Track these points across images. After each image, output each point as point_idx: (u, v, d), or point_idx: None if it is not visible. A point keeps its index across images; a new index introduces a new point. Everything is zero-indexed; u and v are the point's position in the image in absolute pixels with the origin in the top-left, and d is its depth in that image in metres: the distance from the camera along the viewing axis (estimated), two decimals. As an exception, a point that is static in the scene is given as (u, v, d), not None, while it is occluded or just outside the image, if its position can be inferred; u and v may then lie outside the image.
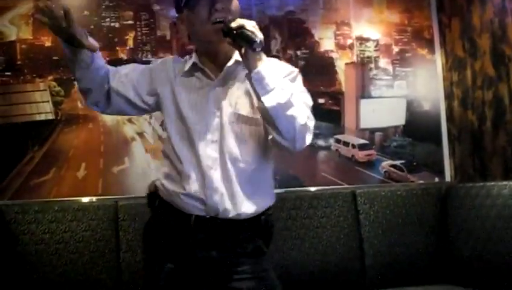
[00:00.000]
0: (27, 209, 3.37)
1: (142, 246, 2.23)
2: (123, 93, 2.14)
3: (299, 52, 4.18)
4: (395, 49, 4.44)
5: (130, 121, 3.93)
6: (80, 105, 3.88)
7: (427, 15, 4.48)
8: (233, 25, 1.85)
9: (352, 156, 4.20)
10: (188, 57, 2.17)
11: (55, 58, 3.86)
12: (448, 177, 4.33)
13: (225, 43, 1.93)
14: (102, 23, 3.98)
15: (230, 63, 2.02)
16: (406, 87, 4.38)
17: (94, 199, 3.65)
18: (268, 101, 1.82)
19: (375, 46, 4.41)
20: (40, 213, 3.36)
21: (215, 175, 1.96)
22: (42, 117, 3.81)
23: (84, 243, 3.37)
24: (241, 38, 1.83)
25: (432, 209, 3.80)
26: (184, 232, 2.00)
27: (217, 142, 1.98)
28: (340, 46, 4.36)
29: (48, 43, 3.86)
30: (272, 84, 1.82)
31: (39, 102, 3.80)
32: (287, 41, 4.21)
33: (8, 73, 3.77)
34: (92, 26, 3.93)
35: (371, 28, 4.41)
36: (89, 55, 2.02)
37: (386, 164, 4.27)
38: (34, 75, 3.81)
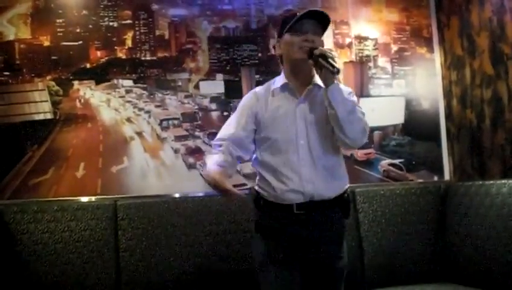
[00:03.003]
0: (26, 209, 3.37)
1: (259, 237, 2.61)
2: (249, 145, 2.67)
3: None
4: (394, 48, 4.45)
5: (128, 120, 3.93)
6: (78, 104, 3.88)
7: (425, 14, 4.49)
8: (317, 52, 2.41)
9: (352, 154, 4.20)
10: (272, 81, 2.69)
11: (53, 57, 3.86)
12: (447, 175, 4.33)
13: (307, 64, 2.48)
14: (101, 23, 3.97)
15: (311, 86, 2.56)
16: (404, 86, 4.39)
17: (93, 198, 3.66)
18: (339, 108, 2.39)
19: (374, 45, 4.42)
20: (39, 213, 3.36)
21: (306, 170, 2.49)
22: (41, 117, 3.81)
23: (83, 243, 3.37)
24: (323, 66, 2.38)
25: (430, 208, 3.80)
26: (288, 218, 2.51)
27: (306, 145, 2.51)
28: (339, 45, 4.37)
29: (46, 43, 3.86)
30: (342, 96, 2.42)
31: (38, 101, 3.80)
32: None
33: (7, 73, 3.76)
34: (90, 26, 3.94)
35: (369, 27, 4.41)
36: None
37: (385, 162, 4.28)
38: (33, 75, 3.81)
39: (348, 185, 2.65)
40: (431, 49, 4.47)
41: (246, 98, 2.70)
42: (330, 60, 2.36)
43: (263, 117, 2.58)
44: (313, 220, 2.50)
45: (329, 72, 2.37)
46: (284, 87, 2.59)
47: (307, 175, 2.49)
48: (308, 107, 2.55)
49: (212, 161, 2.54)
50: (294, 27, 2.51)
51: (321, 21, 2.53)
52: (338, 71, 2.36)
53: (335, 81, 2.41)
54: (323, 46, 2.51)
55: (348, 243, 2.71)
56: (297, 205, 2.49)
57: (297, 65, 2.56)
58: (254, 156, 2.66)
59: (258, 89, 2.71)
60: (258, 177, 2.64)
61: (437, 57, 4.46)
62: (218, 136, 2.67)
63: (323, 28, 2.56)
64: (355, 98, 2.59)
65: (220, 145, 2.60)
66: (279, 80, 2.63)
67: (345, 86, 2.58)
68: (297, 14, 2.52)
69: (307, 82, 2.57)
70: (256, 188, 2.64)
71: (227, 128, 2.66)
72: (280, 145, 2.53)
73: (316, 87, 2.55)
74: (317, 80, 2.53)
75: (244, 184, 3.89)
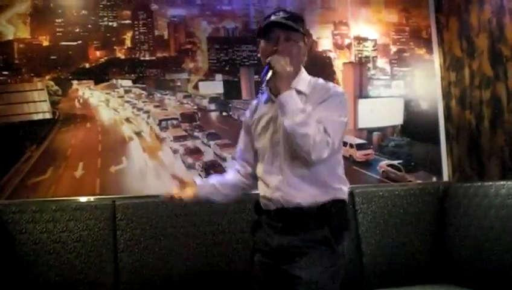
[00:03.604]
0: (25, 208, 3.36)
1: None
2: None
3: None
4: (393, 48, 4.45)
5: (127, 120, 3.93)
6: (77, 104, 3.88)
7: (425, 15, 4.49)
8: (268, 60, 2.35)
9: (350, 155, 4.21)
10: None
11: (52, 57, 3.86)
12: (446, 176, 4.34)
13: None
14: (100, 23, 3.97)
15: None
16: (403, 87, 4.39)
17: (92, 198, 3.65)
18: (286, 121, 2.27)
19: (373, 46, 4.42)
20: (38, 213, 3.36)
21: (275, 178, 2.43)
22: (40, 116, 3.80)
23: (81, 243, 3.36)
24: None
25: (429, 209, 3.80)
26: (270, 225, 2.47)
27: (282, 153, 2.41)
28: (338, 46, 4.37)
29: (45, 43, 3.86)
30: (290, 108, 2.27)
31: (37, 101, 3.80)
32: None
33: (6, 72, 3.76)
34: (89, 26, 3.93)
35: (368, 28, 4.41)
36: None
37: (383, 163, 4.28)
38: (32, 75, 3.81)
39: (338, 197, 2.41)
40: (430, 50, 4.47)
41: (246, 112, 2.70)
42: (273, 74, 2.31)
43: (254, 129, 2.58)
44: (288, 229, 2.39)
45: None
46: (268, 95, 2.53)
47: (275, 182, 2.42)
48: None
49: (224, 174, 2.72)
50: (263, 34, 2.46)
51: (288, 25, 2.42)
52: (264, 81, 2.33)
53: (286, 91, 2.29)
54: (303, 55, 2.49)
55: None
56: (274, 211, 2.44)
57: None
58: None
59: (255, 100, 2.70)
60: None
61: (436, 58, 4.46)
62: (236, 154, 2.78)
63: (295, 28, 2.43)
64: (330, 102, 2.38)
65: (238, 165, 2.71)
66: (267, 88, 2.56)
67: (321, 86, 2.46)
68: (274, 15, 2.47)
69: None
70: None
71: (239, 147, 2.73)
72: (262, 153, 2.51)
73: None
74: (297, 84, 2.41)
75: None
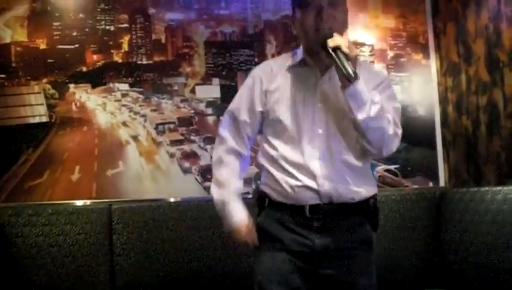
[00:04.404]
0: (21, 212, 3.36)
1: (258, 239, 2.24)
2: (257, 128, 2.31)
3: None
4: (390, 54, 4.45)
5: (124, 124, 3.93)
6: (74, 108, 3.88)
7: (422, 20, 4.49)
8: (331, 44, 1.96)
9: (347, 160, 4.20)
10: (289, 54, 2.29)
11: (49, 61, 3.86)
12: (442, 182, 4.34)
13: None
14: (97, 26, 3.97)
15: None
16: (400, 92, 4.38)
17: (88, 202, 3.65)
18: (360, 115, 1.99)
19: (370, 51, 4.42)
20: (34, 216, 3.36)
21: (324, 165, 2.10)
22: (36, 120, 3.80)
23: (77, 247, 3.36)
24: (336, 64, 1.96)
25: (426, 214, 3.79)
26: (300, 223, 2.14)
27: (325, 136, 2.11)
28: (336, 51, 4.37)
29: (42, 46, 3.86)
30: (364, 100, 1.98)
31: (33, 105, 3.80)
32: (282, 46, 4.21)
33: (3, 75, 3.77)
34: (87, 29, 3.94)
35: (366, 33, 4.41)
36: None
37: (380, 168, 4.28)
38: (29, 78, 3.81)
39: (376, 191, 2.25)
40: (427, 56, 4.48)
41: (255, 71, 2.31)
42: (342, 60, 1.94)
43: (273, 95, 2.19)
44: (330, 227, 2.12)
45: (342, 75, 1.95)
46: (302, 63, 2.19)
47: (323, 171, 2.09)
48: (330, 91, 2.13)
49: (230, 181, 2.24)
50: (306, 0, 2.09)
51: None
52: (353, 77, 1.93)
53: (353, 84, 1.96)
54: (346, 25, 2.16)
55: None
56: (311, 207, 2.10)
57: (315, 48, 2.10)
58: (260, 146, 2.28)
59: (271, 61, 2.36)
60: (263, 174, 2.26)
61: (433, 63, 4.46)
62: (226, 119, 2.31)
63: None
64: (388, 89, 2.22)
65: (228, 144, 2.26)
66: (297, 55, 2.22)
67: (373, 72, 2.26)
68: None
69: (330, 63, 2.07)
70: (262, 187, 2.26)
71: (237, 118, 2.28)
72: (292, 132, 2.13)
73: None
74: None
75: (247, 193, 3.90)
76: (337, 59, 1.94)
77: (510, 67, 3.64)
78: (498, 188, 3.34)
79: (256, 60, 4.19)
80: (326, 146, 2.11)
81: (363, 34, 4.41)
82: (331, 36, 1.98)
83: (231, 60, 4.19)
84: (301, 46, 2.23)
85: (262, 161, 2.24)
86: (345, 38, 2.00)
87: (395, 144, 2.12)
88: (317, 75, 2.16)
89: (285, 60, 2.26)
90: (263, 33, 4.23)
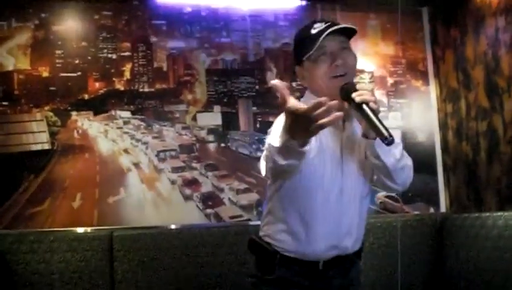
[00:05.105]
0: (22, 239, 3.36)
1: None
2: None
3: (294, 84, 4.20)
4: (390, 80, 4.48)
5: (126, 151, 3.94)
6: (76, 135, 3.89)
7: (421, 47, 4.54)
8: (357, 99, 1.83)
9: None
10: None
11: (52, 88, 3.88)
12: (443, 208, 4.34)
13: (344, 102, 1.91)
14: (100, 54, 4.01)
15: (350, 120, 2.07)
16: (400, 119, 4.42)
17: (89, 229, 3.64)
18: (388, 159, 1.95)
19: (370, 78, 4.45)
20: (35, 243, 3.36)
21: (345, 219, 2.06)
22: (38, 147, 3.81)
23: (78, 274, 3.36)
24: (365, 118, 1.83)
25: (427, 240, 3.80)
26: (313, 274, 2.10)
27: (347, 191, 2.05)
28: (336, 78, 4.39)
29: (45, 74, 3.88)
30: (391, 146, 1.83)
31: (36, 132, 3.81)
32: (282, 73, 4.25)
33: (6, 103, 3.79)
34: (89, 57, 3.97)
35: (366, 60, 4.45)
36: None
37: (381, 194, 4.27)
38: (31, 105, 3.83)
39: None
40: (426, 82, 4.51)
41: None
42: (372, 118, 1.80)
43: None
44: (340, 271, 2.13)
45: (377, 134, 1.81)
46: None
47: (347, 226, 2.07)
48: (349, 146, 2.08)
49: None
50: (315, 51, 1.98)
51: (344, 30, 2.03)
52: (391, 138, 1.75)
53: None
54: (355, 64, 2.06)
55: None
56: (325, 261, 2.08)
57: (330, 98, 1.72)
58: (276, 195, 2.12)
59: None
60: (276, 226, 2.12)
61: (433, 89, 4.49)
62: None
63: (349, 38, 2.08)
64: (398, 137, 2.15)
65: None
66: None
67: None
68: (314, 29, 2.00)
69: (346, 115, 2.02)
70: (269, 239, 2.14)
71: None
72: (319, 190, 2.02)
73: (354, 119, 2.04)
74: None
75: (240, 215, 3.89)
76: (366, 116, 1.82)
77: (509, 93, 3.67)
78: (499, 213, 3.35)
79: (257, 87, 4.22)
80: (351, 202, 2.07)
81: (363, 61, 4.43)
82: (354, 89, 1.87)
83: (232, 87, 4.21)
84: (307, 93, 2.13)
85: (279, 212, 2.11)
86: (370, 90, 1.94)
87: (412, 174, 2.12)
88: (339, 126, 2.06)
89: None
90: (264, 61, 4.27)
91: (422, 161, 4.35)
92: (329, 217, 2.03)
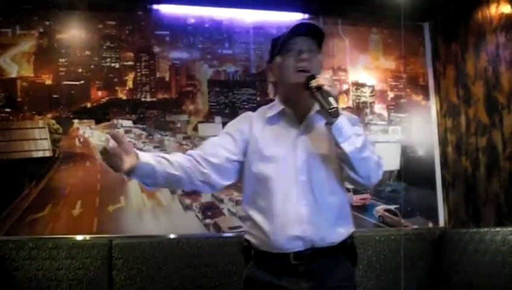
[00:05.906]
0: (22, 245, 3.36)
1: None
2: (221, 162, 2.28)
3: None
4: (391, 95, 4.51)
5: (127, 160, 3.94)
6: (77, 143, 3.91)
7: (422, 62, 4.57)
8: (313, 84, 2.06)
9: (347, 199, 4.21)
10: (267, 107, 2.37)
11: (55, 96, 3.90)
12: (442, 222, 4.35)
13: (305, 93, 2.12)
14: (103, 64, 4.03)
15: (312, 112, 2.24)
16: (400, 133, 4.43)
17: (88, 237, 3.64)
18: (348, 147, 2.06)
19: (371, 92, 4.47)
20: (35, 250, 3.36)
21: (307, 211, 2.14)
22: (40, 154, 3.83)
23: (77, 281, 3.35)
24: (319, 102, 2.06)
25: (425, 255, 3.80)
26: (285, 269, 2.15)
27: (307, 182, 2.16)
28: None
29: (48, 81, 3.91)
30: (349, 133, 2.07)
31: (37, 139, 3.83)
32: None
33: (8, 109, 3.80)
34: (92, 66, 3.99)
35: (366, 74, 4.48)
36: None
37: (380, 208, 4.29)
38: (34, 113, 3.84)
39: (354, 229, 2.29)
40: (427, 97, 4.54)
41: (239, 118, 2.41)
42: (326, 97, 2.03)
43: (255, 148, 2.25)
44: (315, 271, 2.14)
45: (325, 112, 2.03)
46: (280, 115, 2.28)
47: (307, 217, 2.12)
48: (310, 138, 2.22)
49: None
50: (286, 47, 2.22)
51: (315, 36, 2.22)
52: (335, 112, 2.02)
53: (338, 118, 2.05)
54: (321, 68, 2.24)
55: None
56: (295, 254, 2.13)
57: (294, 90, 2.20)
58: (244, 195, 2.32)
59: (254, 114, 2.38)
60: (247, 223, 2.27)
61: (433, 104, 4.52)
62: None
63: (319, 45, 2.25)
64: (361, 128, 2.29)
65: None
66: (274, 107, 2.31)
67: (350, 116, 2.25)
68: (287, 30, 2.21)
69: (307, 108, 2.24)
70: (246, 236, 2.27)
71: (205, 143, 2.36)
72: (275, 183, 2.16)
73: (318, 115, 2.17)
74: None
75: (240, 226, 3.89)
76: (320, 97, 2.04)
77: (509, 109, 3.69)
78: (497, 229, 3.35)
79: (258, 98, 4.25)
80: (309, 192, 2.16)
81: (364, 75, 4.47)
82: (313, 78, 2.09)
83: (233, 98, 4.24)
84: (276, 99, 2.35)
85: (247, 209, 2.27)
86: (326, 77, 2.12)
87: (380, 171, 2.20)
88: (296, 124, 2.26)
89: (262, 114, 2.34)
90: (265, 73, 4.29)
91: (422, 176, 4.38)
92: (288, 207, 2.14)
